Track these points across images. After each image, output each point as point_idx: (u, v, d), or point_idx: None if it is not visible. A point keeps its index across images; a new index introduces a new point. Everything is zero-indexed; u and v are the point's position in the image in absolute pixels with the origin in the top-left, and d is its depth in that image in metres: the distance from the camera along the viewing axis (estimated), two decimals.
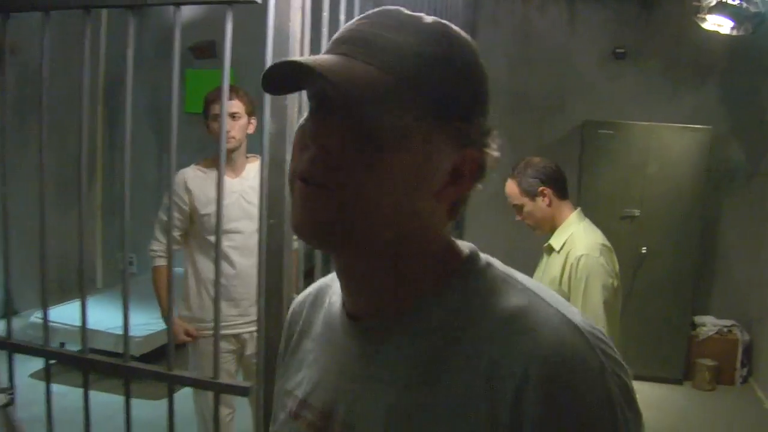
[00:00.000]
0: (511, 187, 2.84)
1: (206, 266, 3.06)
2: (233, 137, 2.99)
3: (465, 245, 0.86)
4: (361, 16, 0.80)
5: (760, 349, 5.42)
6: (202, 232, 3.08)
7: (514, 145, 6.01)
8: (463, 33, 0.81)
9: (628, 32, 5.71)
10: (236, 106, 2.99)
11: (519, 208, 2.84)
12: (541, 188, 2.77)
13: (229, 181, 2.97)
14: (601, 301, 2.59)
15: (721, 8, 4.31)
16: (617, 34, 5.74)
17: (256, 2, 1.97)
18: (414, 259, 0.81)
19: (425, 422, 0.76)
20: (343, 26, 0.81)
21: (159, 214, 3.13)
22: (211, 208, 2.96)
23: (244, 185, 3.10)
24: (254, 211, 2.91)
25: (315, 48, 2.10)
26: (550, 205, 2.79)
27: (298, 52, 2.05)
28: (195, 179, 3.09)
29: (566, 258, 2.70)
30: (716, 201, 5.67)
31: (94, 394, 2.28)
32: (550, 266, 2.80)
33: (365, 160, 0.74)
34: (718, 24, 4.43)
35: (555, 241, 2.79)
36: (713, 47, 5.23)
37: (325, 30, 2.16)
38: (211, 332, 2.88)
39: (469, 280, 0.81)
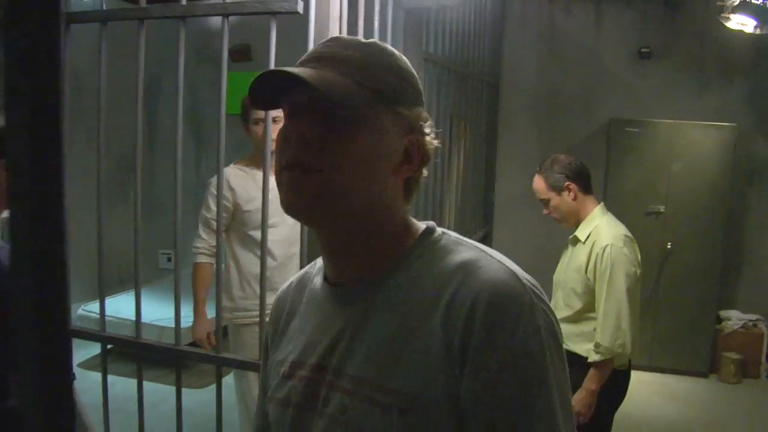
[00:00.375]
0: (539, 182, 3.01)
1: (248, 259, 3.22)
2: (275, 140, 3.15)
3: (423, 223, 1.07)
4: (319, 44, 1.03)
5: None
6: (243, 227, 3.24)
7: (542, 142, 6.14)
8: (390, 47, 1.05)
9: (654, 32, 5.79)
10: (277, 110, 3.15)
11: (546, 202, 3.01)
12: (567, 183, 2.94)
13: (270, 180, 3.14)
14: (625, 288, 2.77)
15: (744, 7, 4.38)
16: (643, 33, 5.82)
17: (298, 12, 2.13)
18: (381, 231, 1.02)
19: (395, 353, 0.94)
20: (308, 52, 1.03)
21: (201, 212, 3.27)
22: (254, 205, 3.14)
23: None
24: None
25: None
26: (575, 199, 2.95)
27: None
28: (236, 178, 3.25)
29: (591, 248, 2.87)
30: (741, 197, 5.73)
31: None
32: (576, 256, 2.96)
33: (337, 143, 0.95)
34: (742, 23, 4.49)
35: (581, 233, 2.95)
36: (738, 46, 5.30)
37: (360, 36, 2.33)
38: (253, 320, 3.08)
39: (427, 246, 1.02)
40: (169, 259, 6.89)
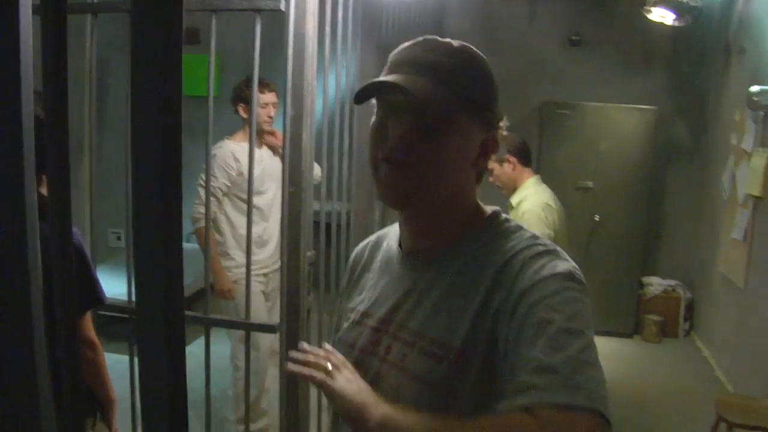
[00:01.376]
0: None
1: (243, 221, 3.54)
2: (271, 120, 3.68)
3: (491, 207, 1.21)
4: (409, 43, 1.13)
5: (700, 306, 5.98)
6: (241, 192, 3.64)
7: None
8: (478, 51, 1.15)
9: (583, 21, 6.22)
10: (274, 97, 3.65)
11: (491, 171, 3.44)
12: (507, 156, 3.36)
13: (259, 152, 3.60)
14: None
15: (664, 2, 4.83)
16: (573, 22, 6.24)
17: (281, 10, 2.37)
18: (457, 213, 1.16)
19: (450, 315, 1.08)
20: (398, 52, 1.14)
21: (200, 181, 3.57)
22: (255, 173, 3.47)
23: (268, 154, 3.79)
24: (276, 172, 3.52)
25: (320, 44, 2.53)
26: (514, 170, 3.41)
27: (311, 49, 2.50)
28: (239, 150, 3.66)
29: (517, 212, 3.33)
30: (662, 174, 6.23)
31: (109, 356, 2.26)
32: None
33: (429, 143, 1.07)
34: (662, 16, 4.95)
35: (513, 200, 3.43)
36: (658, 36, 5.75)
37: (328, 29, 2.63)
38: (257, 271, 3.47)
39: (490, 229, 1.15)
40: (119, 238, 6.99)
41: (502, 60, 6.34)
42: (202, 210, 3.54)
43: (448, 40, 1.14)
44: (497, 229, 1.15)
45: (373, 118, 1.14)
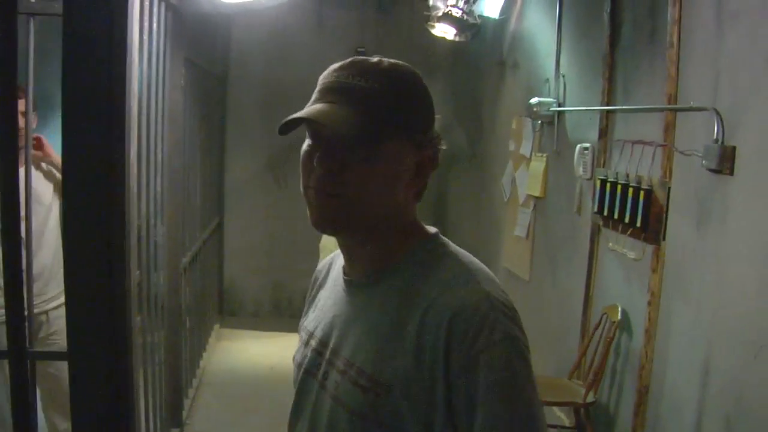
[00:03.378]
0: None
1: None
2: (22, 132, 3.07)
3: (431, 228, 1.18)
4: (335, 67, 1.12)
5: None
6: None
7: (268, 134, 6.52)
8: (411, 68, 1.14)
9: (368, 33, 6.47)
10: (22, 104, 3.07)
11: None
12: None
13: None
14: None
15: (446, 19, 5.17)
16: (359, 34, 6.46)
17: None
18: (392, 235, 1.13)
19: (378, 346, 1.06)
20: (324, 76, 1.13)
21: None
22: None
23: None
24: (42, 196, 3.12)
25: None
26: None
27: (135, 58, 2.40)
28: None
29: None
30: (445, 179, 6.66)
31: None
32: None
33: (355, 171, 1.05)
34: (445, 31, 5.30)
35: None
36: (439, 49, 6.13)
37: (136, 37, 2.53)
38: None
39: (422, 253, 1.12)
40: None
41: (291, 70, 6.47)
42: None
43: (376, 59, 1.12)
44: (430, 253, 1.13)
45: (304, 145, 1.12)
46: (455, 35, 5.33)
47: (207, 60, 5.01)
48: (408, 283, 1.09)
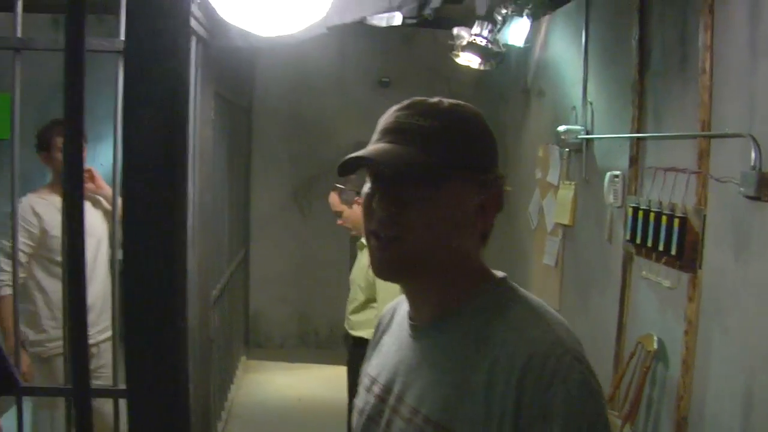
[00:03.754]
0: (334, 198, 3.54)
1: (56, 287, 3.20)
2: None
3: (498, 272, 1.14)
4: (395, 108, 1.10)
5: None
6: (50, 253, 3.24)
7: (292, 164, 6.57)
8: (472, 107, 1.12)
9: (392, 63, 6.52)
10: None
11: (339, 214, 3.50)
12: (356, 198, 3.44)
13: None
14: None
15: (471, 48, 5.19)
16: (382, 64, 6.52)
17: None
18: (458, 279, 1.09)
19: (443, 394, 1.02)
20: (385, 118, 1.11)
21: (2, 243, 3.21)
22: (60, 230, 3.16)
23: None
24: (94, 228, 3.23)
25: None
26: None
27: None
28: (41, 204, 3.29)
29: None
30: None
31: None
32: (362, 259, 3.47)
33: (414, 213, 1.02)
34: (469, 60, 5.32)
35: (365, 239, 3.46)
36: (463, 78, 6.16)
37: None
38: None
39: (493, 298, 1.08)
40: None
41: (315, 102, 6.53)
42: (3, 277, 3.17)
43: (437, 100, 1.10)
44: (498, 298, 1.09)
45: (365, 187, 1.10)
46: (480, 64, 5.33)
47: (234, 92, 5.06)
48: (475, 329, 1.06)
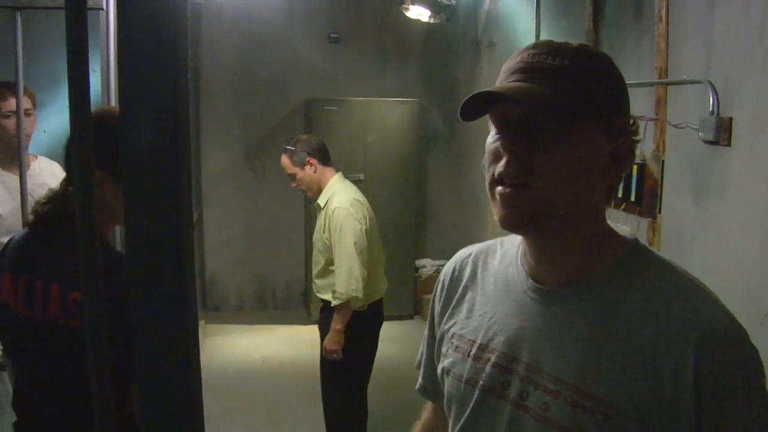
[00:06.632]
0: (285, 160, 3.50)
1: None
2: (27, 135, 2.87)
3: (626, 232, 1.07)
4: (521, 49, 1.01)
5: None
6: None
7: (243, 124, 6.46)
8: (600, 51, 1.06)
9: (341, 19, 6.41)
10: (26, 101, 2.78)
11: (293, 177, 3.47)
12: (308, 159, 3.41)
13: (16, 180, 2.77)
14: (352, 242, 3.36)
15: (421, 1, 5.15)
16: (331, 20, 6.40)
17: (102, 9, 2.21)
18: (590, 237, 1.02)
19: (596, 360, 0.96)
20: (510, 59, 1.02)
21: None
22: (4, 208, 2.95)
23: (33, 183, 2.91)
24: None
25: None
26: (315, 171, 3.45)
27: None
28: None
29: (326, 212, 3.41)
30: (425, 161, 6.65)
31: None
32: (319, 220, 3.49)
33: (546, 158, 0.95)
34: (419, 13, 5.28)
35: (321, 200, 3.50)
36: (412, 32, 6.11)
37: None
38: None
39: (636, 261, 1.02)
40: None
41: (264, 59, 6.40)
42: None
43: (564, 41, 1.02)
44: (641, 262, 1.02)
45: (489, 138, 1.02)
46: (430, 17, 5.31)
47: None
48: (624, 294, 0.98)
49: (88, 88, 0.57)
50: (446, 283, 1.22)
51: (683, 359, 0.90)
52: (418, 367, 1.33)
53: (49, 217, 1.66)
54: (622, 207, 3.20)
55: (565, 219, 0.99)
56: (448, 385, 1.13)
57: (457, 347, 1.13)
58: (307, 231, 6.20)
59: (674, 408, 0.90)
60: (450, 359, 1.14)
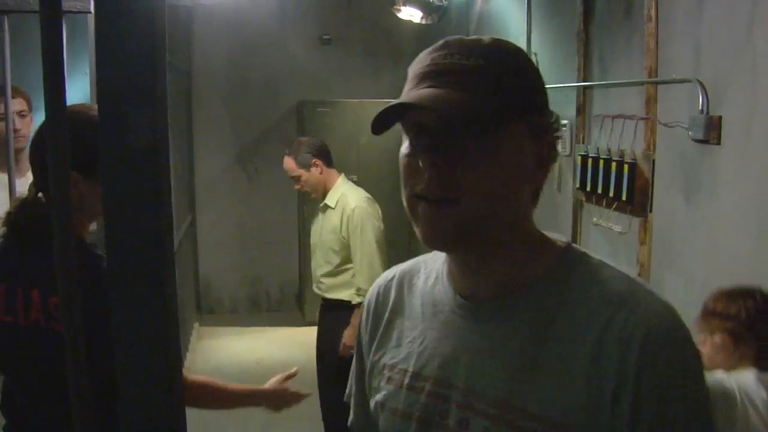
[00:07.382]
0: (289, 162, 3.47)
1: None
2: (23, 135, 2.80)
3: (557, 236, 0.99)
4: (427, 51, 0.94)
5: None
6: None
7: (236, 127, 6.46)
8: (513, 44, 0.96)
9: (333, 20, 6.42)
10: (21, 103, 2.84)
11: (297, 179, 3.46)
12: (313, 160, 3.40)
13: (17, 182, 2.67)
14: (374, 239, 3.39)
15: (412, 2, 5.15)
16: (323, 21, 6.41)
17: (89, 12, 2.20)
18: (521, 246, 0.95)
19: (538, 380, 0.89)
20: (416, 63, 0.95)
21: None
22: (3, 210, 2.95)
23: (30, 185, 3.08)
24: None
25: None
26: (321, 173, 3.44)
27: None
28: None
29: (342, 211, 3.38)
30: None
31: None
32: (328, 220, 3.48)
33: (471, 168, 0.87)
34: (411, 14, 5.27)
35: (330, 200, 3.47)
36: (404, 33, 6.10)
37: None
38: None
39: (571, 267, 0.94)
40: None
41: (257, 62, 6.40)
42: None
43: (474, 37, 0.93)
44: (576, 266, 0.95)
45: (402, 147, 0.94)
46: (422, 18, 5.29)
47: (171, 53, 4.92)
48: (559, 303, 0.92)
49: (64, 92, 0.56)
50: (371, 311, 1.13)
51: (623, 367, 0.85)
52: (347, 401, 1.23)
53: (23, 224, 1.67)
54: (614, 206, 3.21)
55: (498, 232, 0.92)
56: (383, 420, 1.04)
57: (389, 378, 1.04)
58: (301, 233, 6.21)
59: (612, 410, 0.86)
60: (383, 392, 1.04)
